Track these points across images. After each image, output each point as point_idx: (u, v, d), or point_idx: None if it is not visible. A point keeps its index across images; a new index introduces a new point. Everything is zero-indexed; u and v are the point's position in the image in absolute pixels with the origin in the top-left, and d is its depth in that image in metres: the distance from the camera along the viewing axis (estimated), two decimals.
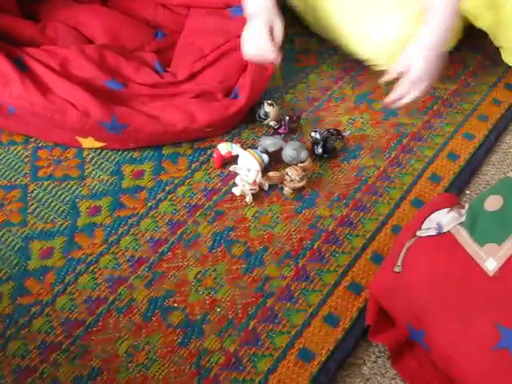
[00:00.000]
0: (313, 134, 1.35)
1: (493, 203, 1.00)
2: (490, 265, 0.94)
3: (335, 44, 1.55)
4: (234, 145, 1.30)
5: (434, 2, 1.35)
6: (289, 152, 1.31)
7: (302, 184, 1.27)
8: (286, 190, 1.28)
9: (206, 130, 1.33)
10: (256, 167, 1.26)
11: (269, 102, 1.40)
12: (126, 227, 1.20)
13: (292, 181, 1.26)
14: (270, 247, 1.20)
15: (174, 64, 1.42)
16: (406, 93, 1.34)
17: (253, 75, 1.35)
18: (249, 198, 1.25)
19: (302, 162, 1.30)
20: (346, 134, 1.40)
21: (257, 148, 1.31)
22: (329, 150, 1.35)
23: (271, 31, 1.28)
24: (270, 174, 1.27)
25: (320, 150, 1.34)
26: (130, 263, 1.14)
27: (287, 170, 1.27)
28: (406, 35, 1.39)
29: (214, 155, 1.31)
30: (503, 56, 1.59)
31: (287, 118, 1.39)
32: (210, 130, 1.33)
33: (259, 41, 1.27)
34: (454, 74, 1.65)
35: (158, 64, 1.38)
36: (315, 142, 1.35)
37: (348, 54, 1.53)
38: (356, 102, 1.52)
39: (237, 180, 1.27)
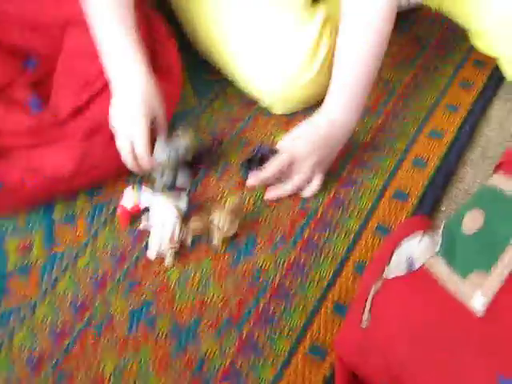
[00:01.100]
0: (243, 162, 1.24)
1: (472, 220, 0.92)
2: (478, 302, 0.83)
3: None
4: (142, 192, 1.16)
5: (343, 71, 1.23)
6: (161, 156, 1.17)
7: (232, 231, 1.13)
8: (215, 241, 1.13)
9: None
10: (172, 219, 1.10)
11: (181, 127, 1.24)
12: (17, 321, 1.06)
13: (219, 229, 1.11)
14: (204, 317, 1.07)
15: (53, 97, 1.25)
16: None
17: None
18: (168, 260, 1.11)
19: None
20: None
21: None
22: None
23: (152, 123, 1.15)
24: (192, 224, 1.12)
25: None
26: (30, 366, 1.00)
27: (211, 216, 1.12)
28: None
29: (119, 211, 1.17)
30: (471, 39, 1.42)
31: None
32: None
33: (136, 148, 1.15)
34: (408, 60, 1.52)
35: (35, 100, 1.23)
36: (248, 168, 1.22)
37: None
38: (290, 115, 1.37)
39: (150, 240, 1.12)
